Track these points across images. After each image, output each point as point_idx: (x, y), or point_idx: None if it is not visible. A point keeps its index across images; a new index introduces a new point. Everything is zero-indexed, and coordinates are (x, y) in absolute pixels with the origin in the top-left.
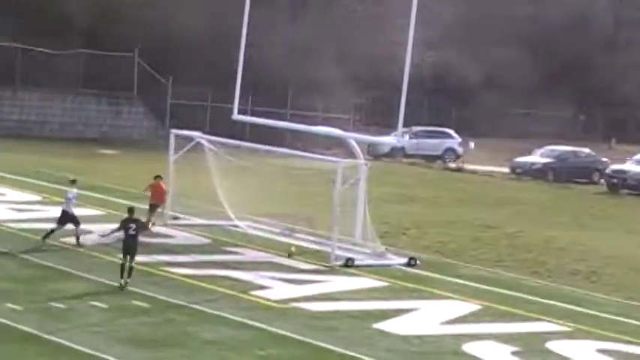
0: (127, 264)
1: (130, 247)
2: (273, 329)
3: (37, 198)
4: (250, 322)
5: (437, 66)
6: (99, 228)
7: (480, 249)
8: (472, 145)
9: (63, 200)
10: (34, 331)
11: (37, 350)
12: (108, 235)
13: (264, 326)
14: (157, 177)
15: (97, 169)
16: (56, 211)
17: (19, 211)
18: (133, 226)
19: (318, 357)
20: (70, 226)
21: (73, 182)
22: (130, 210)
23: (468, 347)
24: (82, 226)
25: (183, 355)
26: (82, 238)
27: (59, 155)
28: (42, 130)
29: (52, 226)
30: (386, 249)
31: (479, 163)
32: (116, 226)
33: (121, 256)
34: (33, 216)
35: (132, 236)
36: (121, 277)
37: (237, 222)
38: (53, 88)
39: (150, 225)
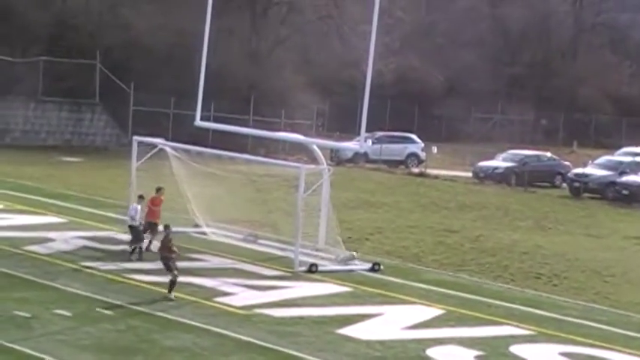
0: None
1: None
2: (237, 335)
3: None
4: (213, 329)
5: (399, 71)
6: (61, 235)
7: (443, 253)
8: (435, 149)
9: (25, 208)
10: None
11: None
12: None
13: (227, 332)
14: (159, 189)
15: (60, 177)
16: (20, 219)
17: None
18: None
19: None
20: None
21: (140, 197)
22: (165, 226)
23: (432, 352)
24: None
25: None
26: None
27: (22, 163)
28: (3, 139)
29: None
30: (356, 252)
31: (441, 167)
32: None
33: None
34: None
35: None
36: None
37: (200, 229)
38: (14, 96)
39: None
